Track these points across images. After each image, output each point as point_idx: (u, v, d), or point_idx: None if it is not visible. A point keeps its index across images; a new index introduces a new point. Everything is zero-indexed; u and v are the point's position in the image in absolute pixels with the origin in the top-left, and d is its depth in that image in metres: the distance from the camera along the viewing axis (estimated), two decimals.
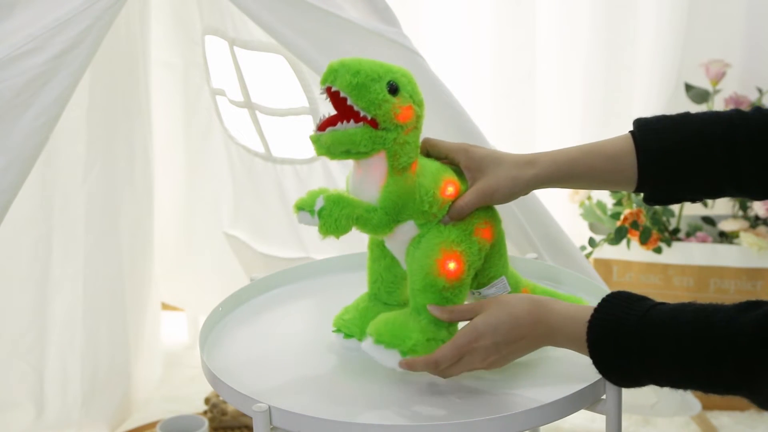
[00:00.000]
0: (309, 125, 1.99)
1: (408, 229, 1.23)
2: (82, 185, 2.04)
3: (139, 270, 2.23)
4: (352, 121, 1.17)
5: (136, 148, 2.14)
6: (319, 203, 1.17)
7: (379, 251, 1.30)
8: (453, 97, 1.78)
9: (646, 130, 1.25)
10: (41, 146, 1.60)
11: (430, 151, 1.29)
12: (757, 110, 1.23)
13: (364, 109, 1.17)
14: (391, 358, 1.21)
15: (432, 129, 1.77)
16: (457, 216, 1.24)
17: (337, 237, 1.19)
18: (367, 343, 1.23)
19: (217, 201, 2.35)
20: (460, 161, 1.27)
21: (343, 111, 1.17)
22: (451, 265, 1.22)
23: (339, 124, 1.17)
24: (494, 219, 1.27)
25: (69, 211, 2.04)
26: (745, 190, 1.24)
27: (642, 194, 1.28)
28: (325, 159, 1.70)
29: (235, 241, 2.31)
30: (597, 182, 1.28)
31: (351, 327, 1.30)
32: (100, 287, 2.12)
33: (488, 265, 1.28)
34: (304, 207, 1.18)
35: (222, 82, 2.12)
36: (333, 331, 1.31)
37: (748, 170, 1.22)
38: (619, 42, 2.45)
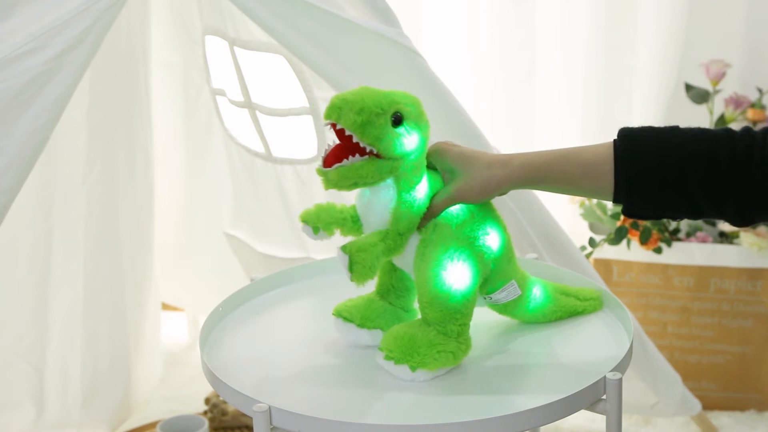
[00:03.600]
0: (309, 125, 1.99)
1: (412, 240, 1.24)
2: (82, 185, 2.03)
3: (139, 270, 2.23)
4: (357, 155, 1.18)
5: (136, 148, 2.14)
6: (344, 260, 1.18)
7: (387, 264, 1.31)
8: (453, 96, 1.78)
9: (628, 141, 1.23)
10: (41, 146, 1.60)
11: None
12: (746, 131, 1.21)
13: (369, 144, 1.18)
14: (402, 373, 1.21)
15: (432, 129, 1.77)
16: (429, 216, 1.24)
17: (373, 278, 1.20)
18: (379, 358, 1.23)
19: (217, 201, 2.35)
20: (435, 163, 1.27)
21: (349, 145, 1.18)
22: (458, 278, 1.22)
23: (345, 160, 1.18)
24: (498, 224, 1.27)
25: (69, 211, 2.04)
26: (724, 213, 1.22)
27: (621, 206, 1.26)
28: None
29: (235, 241, 2.31)
30: (573, 188, 1.26)
31: (352, 312, 1.30)
32: (100, 287, 2.12)
33: (497, 270, 1.28)
34: (344, 251, 1.19)
35: (222, 82, 2.12)
36: (333, 314, 1.31)
37: (727, 193, 1.19)
38: (619, 42, 2.45)
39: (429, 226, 1.24)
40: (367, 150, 1.18)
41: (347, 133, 1.17)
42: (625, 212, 1.25)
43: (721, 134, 1.21)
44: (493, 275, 1.28)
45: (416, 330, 1.23)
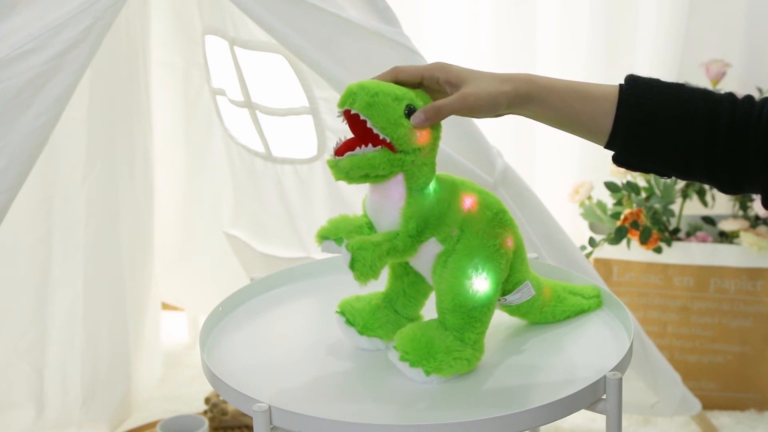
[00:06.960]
0: (309, 125, 1.99)
1: (431, 247, 1.22)
2: (82, 185, 2.04)
3: (139, 270, 2.23)
4: (370, 145, 1.16)
5: (136, 148, 2.14)
6: (346, 258, 1.16)
7: (401, 268, 1.29)
8: None
9: (635, 87, 1.22)
10: (41, 146, 1.60)
11: (402, 78, 1.22)
12: (748, 99, 1.21)
13: (382, 130, 1.16)
14: (415, 376, 1.21)
15: None
16: (432, 115, 1.18)
17: (377, 278, 1.18)
18: (393, 357, 1.22)
19: (217, 201, 2.35)
20: (439, 77, 1.22)
21: (361, 134, 1.17)
22: (481, 286, 1.21)
23: (357, 148, 1.16)
24: (512, 225, 1.26)
25: (69, 211, 2.04)
26: (715, 178, 1.22)
27: (612, 154, 1.24)
28: (325, 158, 1.70)
29: (235, 240, 2.31)
30: (569, 121, 1.23)
31: (355, 317, 1.29)
32: (100, 287, 2.12)
33: (512, 271, 1.27)
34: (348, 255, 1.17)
35: (222, 82, 2.12)
36: (336, 312, 1.31)
37: (722, 158, 1.19)
38: (619, 42, 2.45)
39: (453, 236, 1.22)
40: (380, 137, 1.16)
41: (361, 117, 1.16)
42: (615, 159, 1.24)
43: (725, 98, 1.21)
44: (508, 276, 1.27)
45: (433, 333, 1.21)
